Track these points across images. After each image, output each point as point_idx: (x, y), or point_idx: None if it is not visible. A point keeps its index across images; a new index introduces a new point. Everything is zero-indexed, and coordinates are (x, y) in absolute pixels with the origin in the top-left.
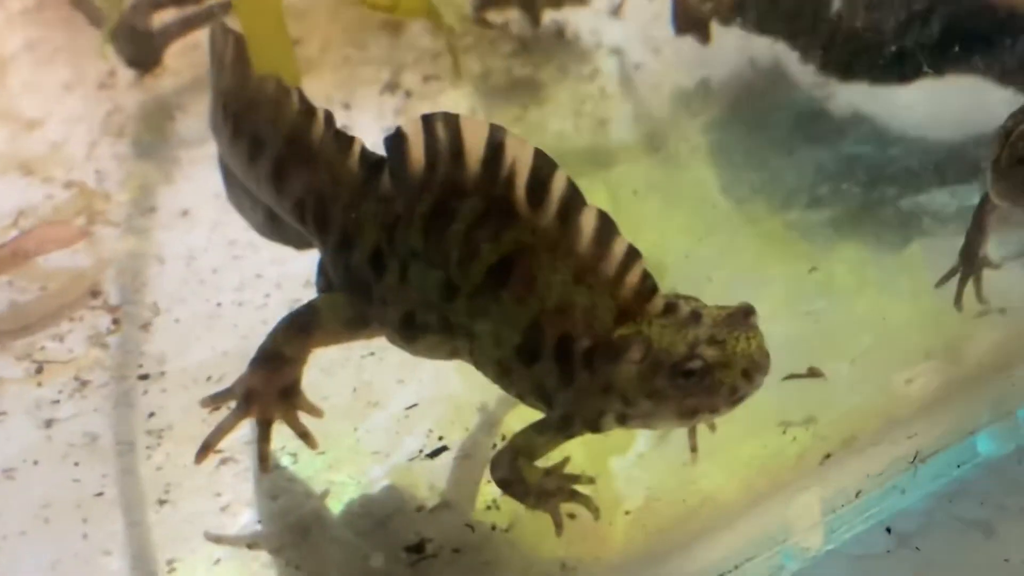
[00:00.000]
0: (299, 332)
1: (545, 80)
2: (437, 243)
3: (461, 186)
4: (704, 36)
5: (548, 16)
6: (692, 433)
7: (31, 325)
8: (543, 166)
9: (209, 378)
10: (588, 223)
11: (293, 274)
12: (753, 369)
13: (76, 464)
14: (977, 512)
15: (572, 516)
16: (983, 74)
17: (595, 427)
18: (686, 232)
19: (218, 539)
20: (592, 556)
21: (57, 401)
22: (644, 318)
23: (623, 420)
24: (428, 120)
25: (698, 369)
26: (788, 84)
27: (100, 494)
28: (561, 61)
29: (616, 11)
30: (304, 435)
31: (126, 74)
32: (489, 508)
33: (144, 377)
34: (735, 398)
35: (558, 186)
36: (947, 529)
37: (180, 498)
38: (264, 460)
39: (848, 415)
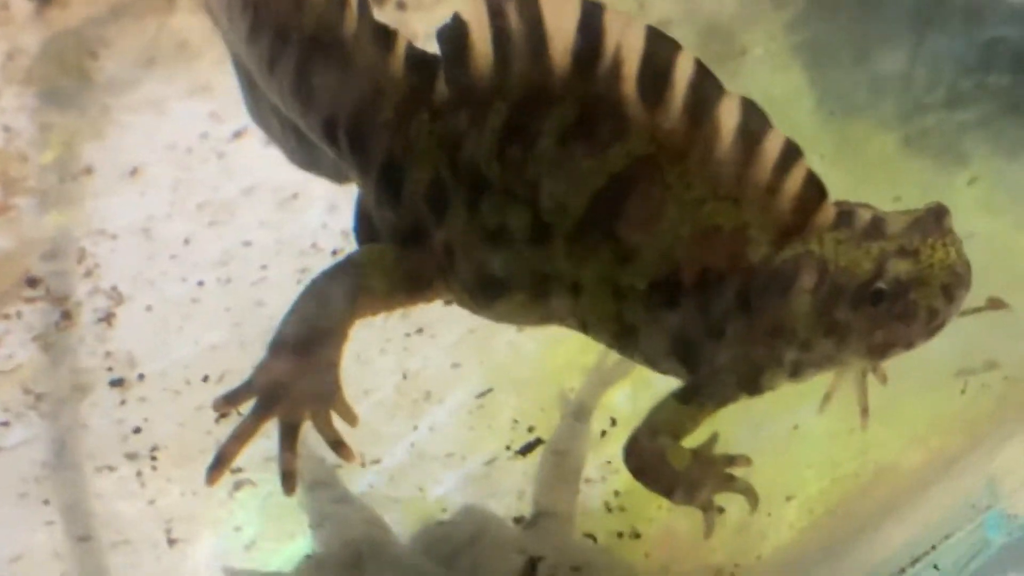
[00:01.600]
0: (337, 299)
1: None
2: (519, 167)
3: (548, 87)
4: None
5: None
6: (862, 389)
7: None
8: (660, 49)
9: (206, 378)
10: (729, 117)
11: (293, 236)
12: (955, 284)
13: (45, 503)
14: None
15: (722, 510)
16: None
17: (756, 387)
18: None
19: None
20: (752, 556)
21: (5, 423)
22: (813, 233)
23: (796, 370)
24: (495, 2)
25: (890, 290)
26: None
27: (84, 538)
28: None
29: None
30: (337, 444)
31: (22, 4)
32: (609, 511)
33: (117, 383)
34: (935, 324)
35: (683, 72)
36: None
37: (190, 536)
38: (290, 477)
39: None
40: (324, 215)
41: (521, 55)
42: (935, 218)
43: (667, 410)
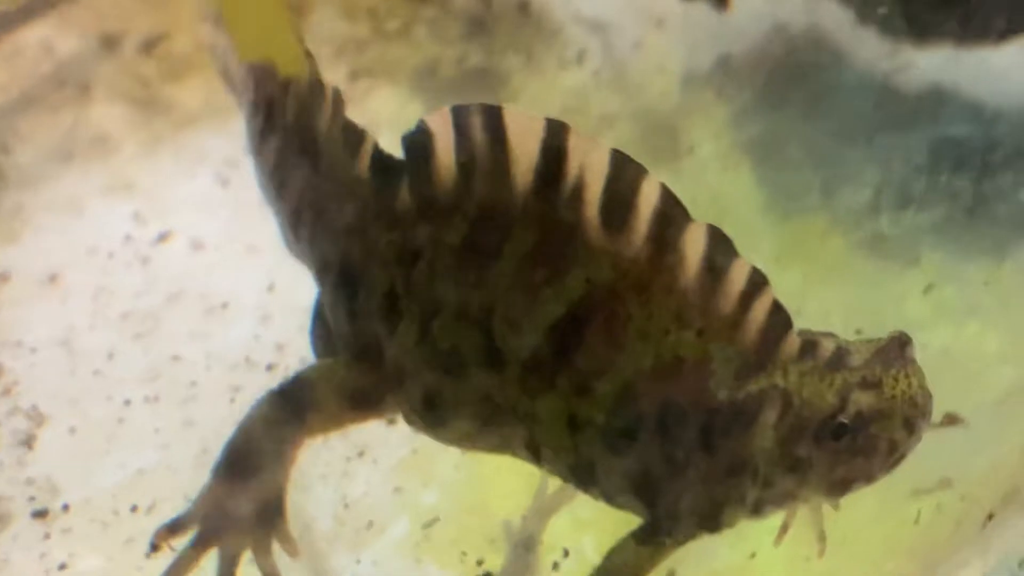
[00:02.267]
0: (285, 420)
1: (509, 70)
2: (475, 289)
3: (508, 207)
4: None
5: None
6: (818, 516)
7: None
8: (625, 173)
9: (135, 508)
10: (695, 245)
11: (224, 349)
12: (916, 416)
13: None
14: None
15: None
16: None
17: (716, 524)
18: None
19: None
20: None
21: None
22: (777, 365)
23: (757, 508)
24: (460, 114)
25: (852, 424)
26: (839, 55)
27: None
28: (528, 44)
29: None
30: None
31: None
32: None
33: (40, 514)
34: (896, 457)
35: (648, 199)
36: None
37: None
38: None
39: (999, 467)
40: (256, 326)
41: (483, 171)
42: (898, 347)
43: (626, 552)
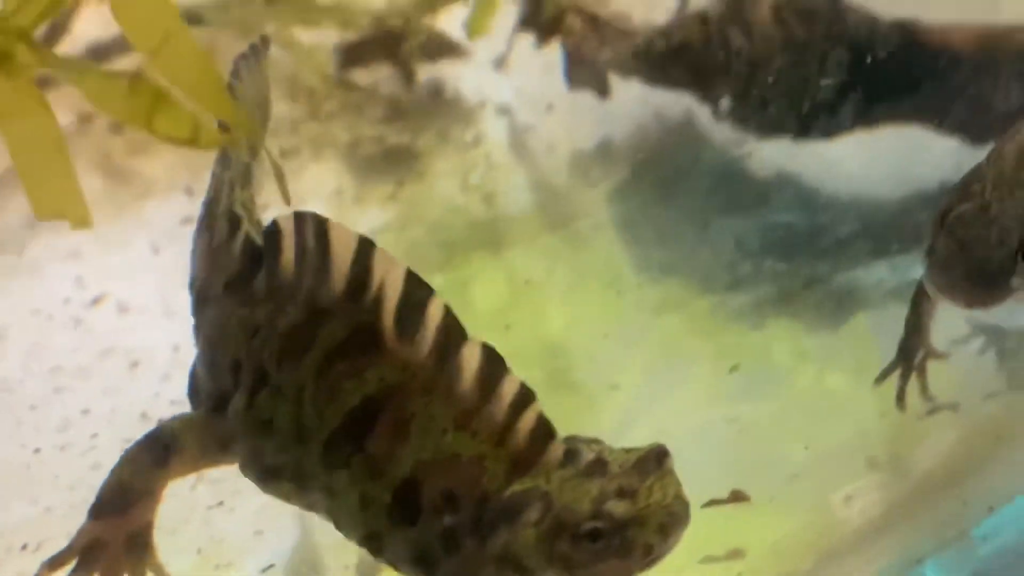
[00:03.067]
0: (151, 461)
1: (424, 149)
2: (290, 370)
3: (326, 305)
4: (602, 89)
5: (424, 73)
6: None
7: None
8: (416, 291)
9: (25, 546)
10: (471, 360)
11: (128, 407)
12: (670, 523)
13: None
14: None
15: None
16: (921, 123)
17: None
18: (590, 327)
19: None
20: None
21: None
22: (542, 470)
23: None
24: (299, 219)
25: (604, 528)
26: (701, 143)
27: None
28: (442, 125)
29: (500, 64)
30: None
31: None
32: None
33: None
34: (650, 559)
35: (434, 315)
36: None
37: None
38: None
39: (781, 544)
40: (158, 384)
41: (310, 271)
42: (656, 459)
43: None
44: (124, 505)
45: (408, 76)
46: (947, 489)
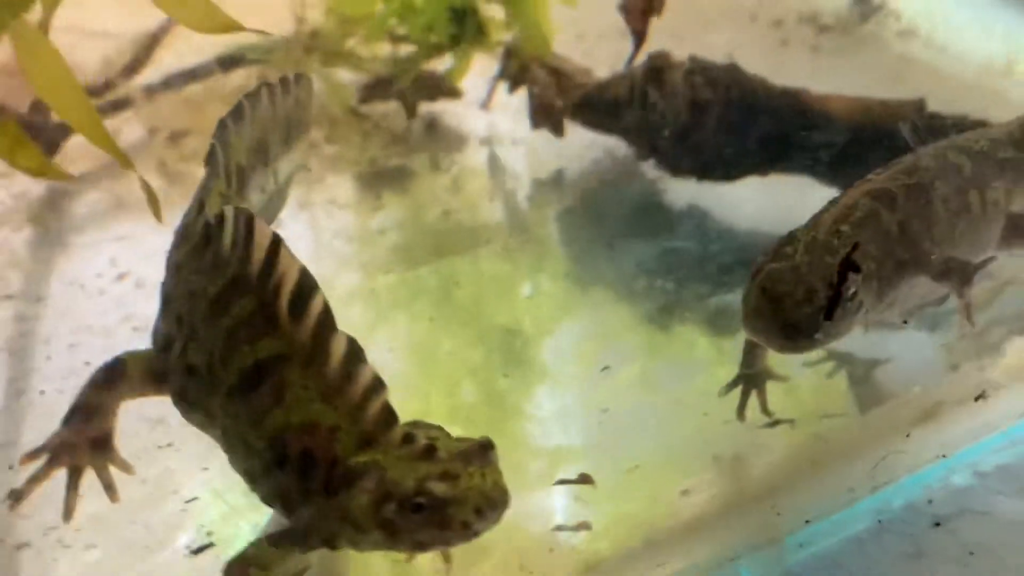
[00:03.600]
0: (106, 383)
1: (414, 170)
2: (210, 331)
3: (244, 283)
4: (558, 130)
5: (423, 108)
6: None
7: None
8: (307, 284)
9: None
10: (338, 348)
11: None
12: (486, 506)
13: None
14: None
15: None
16: (805, 173)
17: (332, 546)
18: (489, 333)
19: None
20: None
21: None
22: (383, 447)
23: (356, 545)
24: (239, 213)
25: (427, 504)
26: (633, 177)
27: None
28: (432, 152)
29: (485, 105)
30: (109, 487)
31: None
32: None
33: None
34: (467, 533)
35: (316, 306)
36: None
37: None
38: (69, 510)
39: (618, 523)
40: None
41: (238, 254)
42: (481, 451)
43: (259, 548)
44: (86, 416)
45: (410, 111)
46: (769, 497)
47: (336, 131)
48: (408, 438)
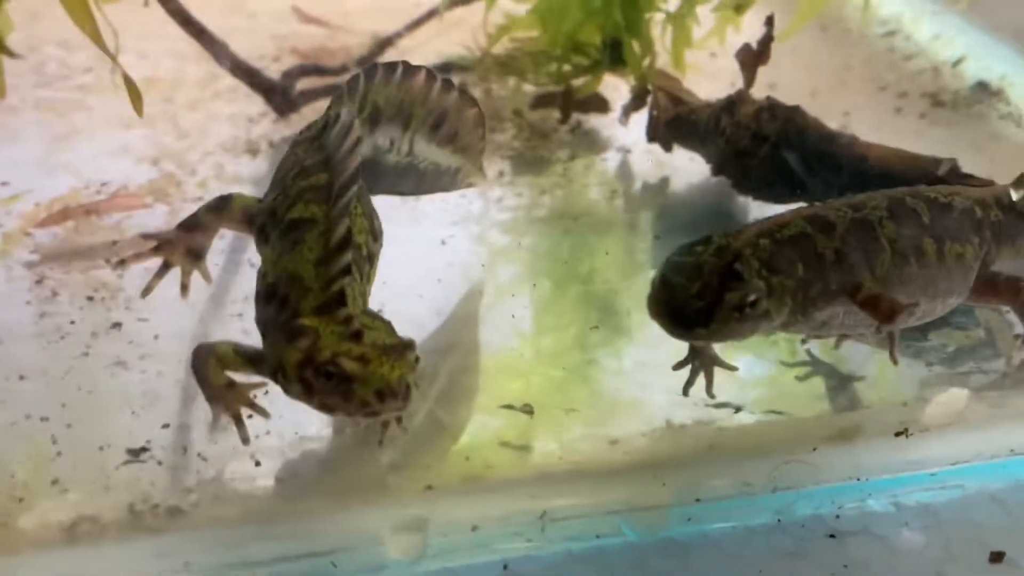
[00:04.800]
0: (215, 209)
1: (551, 161)
2: (293, 187)
3: (327, 163)
4: (666, 145)
5: (575, 117)
6: (383, 427)
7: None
8: (348, 183)
9: None
10: (339, 233)
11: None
12: (387, 393)
13: None
14: None
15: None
16: None
17: (274, 380)
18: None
19: None
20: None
21: None
22: (328, 320)
23: (286, 390)
24: (349, 114)
25: (336, 375)
26: (714, 194)
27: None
28: (573, 151)
29: (623, 120)
30: (185, 287)
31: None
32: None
33: None
34: (367, 411)
35: (344, 199)
36: None
37: None
38: (148, 290)
39: (545, 449)
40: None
41: (335, 141)
42: (400, 348)
43: (227, 349)
44: (192, 228)
45: (565, 117)
46: (657, 467)
47: (499, 125)
48: (348, 320)
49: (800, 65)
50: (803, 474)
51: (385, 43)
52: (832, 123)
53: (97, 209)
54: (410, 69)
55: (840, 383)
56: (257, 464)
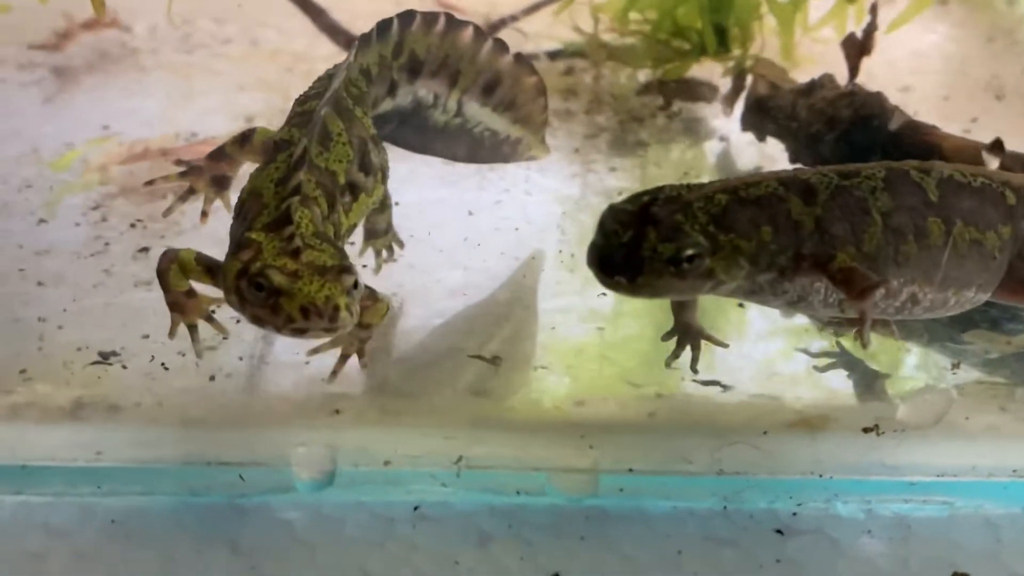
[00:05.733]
0: (240, 141)
1: (651, 142)
2: (305, 123)
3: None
4: (759, 134)
5: (676, 104)
6: (339, 362)
7: None
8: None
9: None
10: (296, 154)
11: None
12: (312, 311)
13: None
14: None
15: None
16: None
17: (225, 291)
18: None
19: None
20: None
21: None
22: (273, 236)
23: (227, 300)
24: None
25: (265, 287)
26: None
27: None
28: (670, 136)
29: (725, 109)
30: (205, 214)
31: None
32: None
33: None
34: (292, 327)
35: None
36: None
37: None
38: (169, 211)
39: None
40: None
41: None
42: (335, 270)
43: (189, 256)
44: (219, 158)
45: (667, 103)
46: (584, 430)
47: (598, 108)
48: (290, 238)
49: (946, 70)
50: (754, 460)
51: (499, 24)
52: (954, 127)
53: (173, 152)
54: (455, 22)
55: (863, 380)
56: (211, 379)
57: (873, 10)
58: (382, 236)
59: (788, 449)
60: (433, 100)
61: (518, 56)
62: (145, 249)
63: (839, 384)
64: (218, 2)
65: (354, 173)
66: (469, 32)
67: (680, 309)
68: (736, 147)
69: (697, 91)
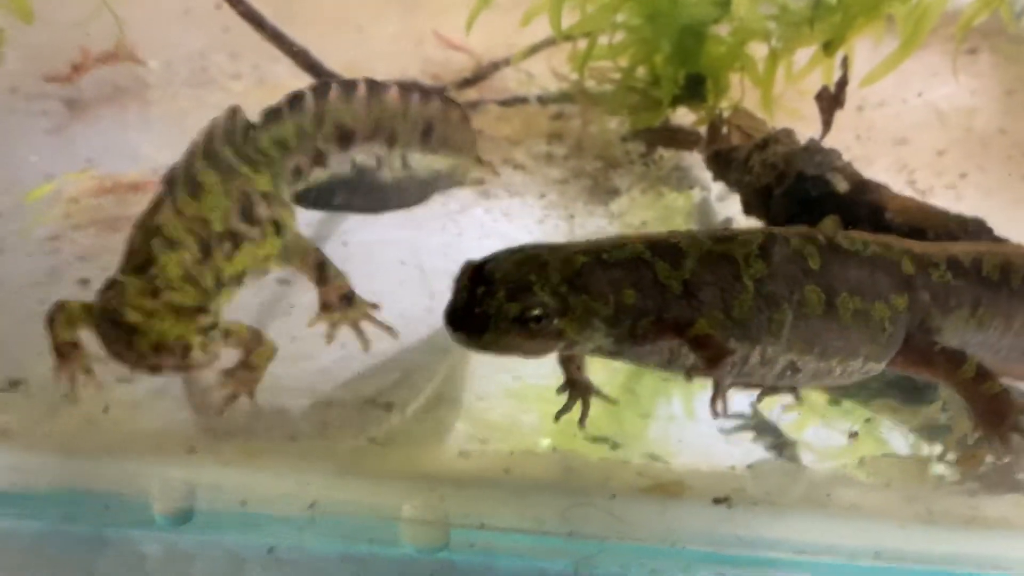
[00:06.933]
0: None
1: (624, 189)
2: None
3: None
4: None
5: (660, 152)
6: (227, 400)
7: None
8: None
9: None
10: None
11: None
12: (163, 349)
13: None
14: None
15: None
16: None
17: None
18: None
19: None
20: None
21: None
22: (139, 278)
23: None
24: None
25: (121, 324)
26: None
27: None
28: (647, 184)
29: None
30: None
31: None
32: None
33: None
34: (146, 364)
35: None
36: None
37: None
38: None
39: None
40: None
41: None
42: (191, 311)
43: (77, 305)
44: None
45: (650, 150)
46: (446, 483)
47: (579, 152)
48: (151, 276)
49: (950, 124)
50: (605, 524)
51: (490, 68)
52: (941, 183)
53: (142, 187)
54: (375, 86)
55: (769, 443)
56: (105, 410)
57: (844, 64)
58: (338, 309)
59: (635, 513)
60: (377, 163)
61: (442, 96)
62: (85, 281)
63: (708, 449)
64: (238, 37)
65: (234, 222)
66: (394, 92)
67: (567, 364)
68: (716, 197)
69: (680, 139)
